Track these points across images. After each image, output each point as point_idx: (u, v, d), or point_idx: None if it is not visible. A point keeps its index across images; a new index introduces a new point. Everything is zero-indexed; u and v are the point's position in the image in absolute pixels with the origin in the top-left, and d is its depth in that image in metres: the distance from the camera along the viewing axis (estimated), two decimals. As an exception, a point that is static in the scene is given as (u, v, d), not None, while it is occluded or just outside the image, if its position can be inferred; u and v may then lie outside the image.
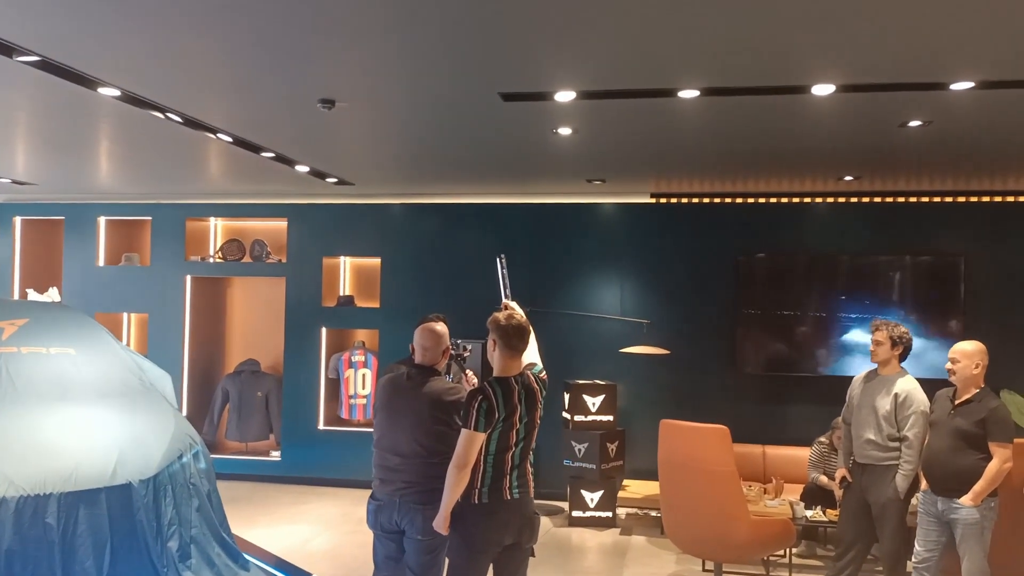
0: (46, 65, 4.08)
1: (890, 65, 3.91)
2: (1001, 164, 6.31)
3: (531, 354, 3.73)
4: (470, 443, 3.36)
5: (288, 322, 8.56)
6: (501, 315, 3.53)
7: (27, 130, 5.86)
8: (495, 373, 3.53)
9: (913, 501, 4.79)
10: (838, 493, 5.42)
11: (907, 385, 4.80)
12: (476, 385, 3.72)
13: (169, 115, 5.06)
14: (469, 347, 5.04)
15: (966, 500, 4.35)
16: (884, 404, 4.80)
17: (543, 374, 3.69)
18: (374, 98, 4.77)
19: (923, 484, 4.64)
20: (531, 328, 3.59)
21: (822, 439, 6.37)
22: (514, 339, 3.50)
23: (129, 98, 4.68)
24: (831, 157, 6.16)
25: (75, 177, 7.74)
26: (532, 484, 3.60)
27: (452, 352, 4.38)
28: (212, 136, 5.64)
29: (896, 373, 4.88)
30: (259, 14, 3.41)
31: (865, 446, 4.88)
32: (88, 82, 4.37)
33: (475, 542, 3.43)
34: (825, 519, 5.86)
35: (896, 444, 4.76)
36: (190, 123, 5.27)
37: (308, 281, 8.50)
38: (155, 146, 6.22)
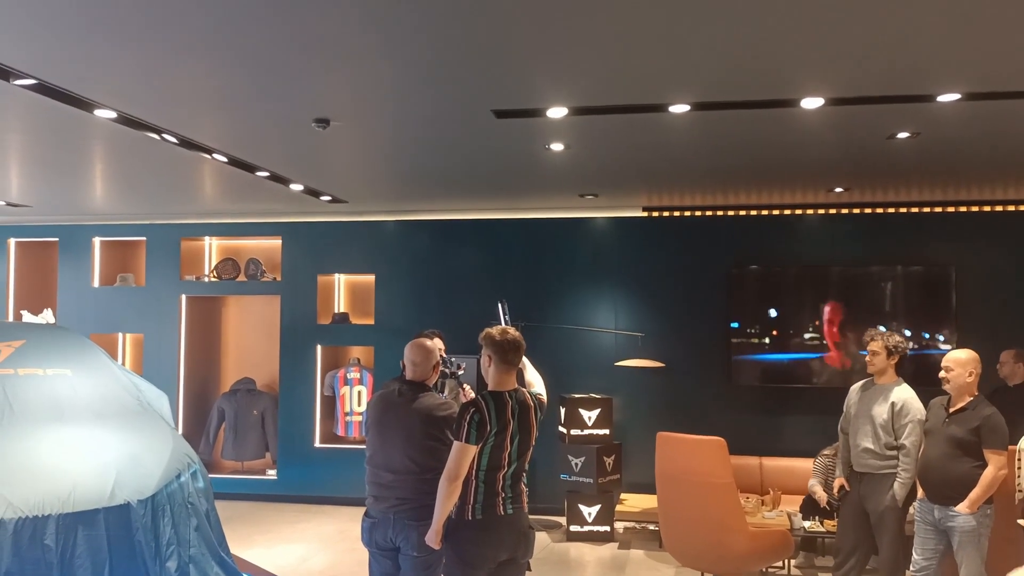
0: (43, 88, 4.10)
1: (877, 78, 3.96)
2: (989, 174, 6.37)
3: (538, 386, 3.79)
4: (462, 455, 3.38)
5: (283, 340, 8.56)
6: (495, 330, 3.57)
7: (22, 152, 5.87)
8: (489, 387, 3.56)
9: (911, 510, 4.82)
10: (824, 505, 5.51)
11: (904, 394, 4.84)
12: (472, 398, 3.74)
13: (164, 136, 5.09)
14: (463, 365, 5.06)
15: (962, 507, 4.37)
16: (881, 413, 4.84)
17: (541, 396, 3.72)
18: (368, 117, 4.80)
19: (920, 492, 4.67)
20: (525, 344, 3.62)
21: (826, 451, 6.18)
22: (509, 353, 3.52)
23: (125, 120, 4.71)
24: (821, 169, 6.22)
25: (70, 199, 7.75)
26: (526, 500, 3.61)
27: (443, 369, 4.38)
28: (207, 156, 5.67)
29: (893, 382, 4.92)
30: (254, 36, 3.45)
31: (862, 455, 4.90)
32: (84, 104, 4.40)
33: (469, 558, 3.44)
34: (823, 529, 5.87)
35: (893, 453, 4.79)
36: (185, 144, 5.30)
37: (303, 299, 8.51)
38: (150, 167, 6.24)
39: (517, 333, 3.58)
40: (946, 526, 4.47)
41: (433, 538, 3.45)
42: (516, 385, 3.60)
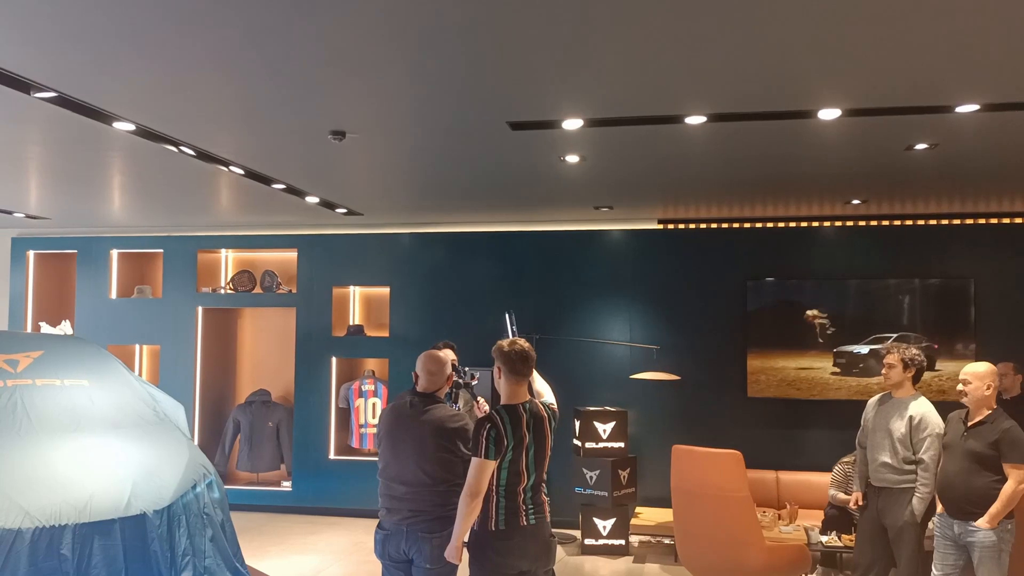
0: (63, 101, 4.15)
1: (895, 89, 3.95)
2: (1008, 185, 6.32)
3: (547, 395, 3.80)
4: (481, 471, 3.38)
5: (298, 352, 8.59)
6: (504, 342, 3.59)
7: (42, 165, 5.93)
8: (503, 401, 3.57)
9: (929, 525, 4.76)
10: (851, 506, 5.41)
11: (922, 407, 4.79)
12: (487, 413, 3.75)
13: (182, 148, 5.13)
14: (476, 374, 5.06)
15: (982, 523, 4.32)
16: (899, 427, 4.79)
17: (553, 405, 3.72)
18: (384, 129, 4.82)
19: (939, 507, 4.61)
20: (535, 355, 3.62)
21: (845, 459, 6.15)
22: (518, 364, 3.53)
23: (143, 132, 4.75)
24: (838, 181, 6.19)
25: (88, 211, 7.83)
26: (548, 510, 3.61)
27: (457, 379, 4.38)
28: (224, 169, 5.71)
29: (910, 396, 4.87)
30: (271, 48, 3.47)
31: (880, 469, 4.86)
32: (104, 117, 4.44)
33: (492, 568, 3.44)
34: (841, 544, 5.81)
35: (912, 467, 4.73)
36: (203, 156, 5.34)
37: (318, 311, 8.54)
38: (168, 179, 6.29)
39: (527, 344, 3.60)
40: (966, 541, 4.42)
41: (453, 554, 3.45)
42: (528, 396, 3.60)
